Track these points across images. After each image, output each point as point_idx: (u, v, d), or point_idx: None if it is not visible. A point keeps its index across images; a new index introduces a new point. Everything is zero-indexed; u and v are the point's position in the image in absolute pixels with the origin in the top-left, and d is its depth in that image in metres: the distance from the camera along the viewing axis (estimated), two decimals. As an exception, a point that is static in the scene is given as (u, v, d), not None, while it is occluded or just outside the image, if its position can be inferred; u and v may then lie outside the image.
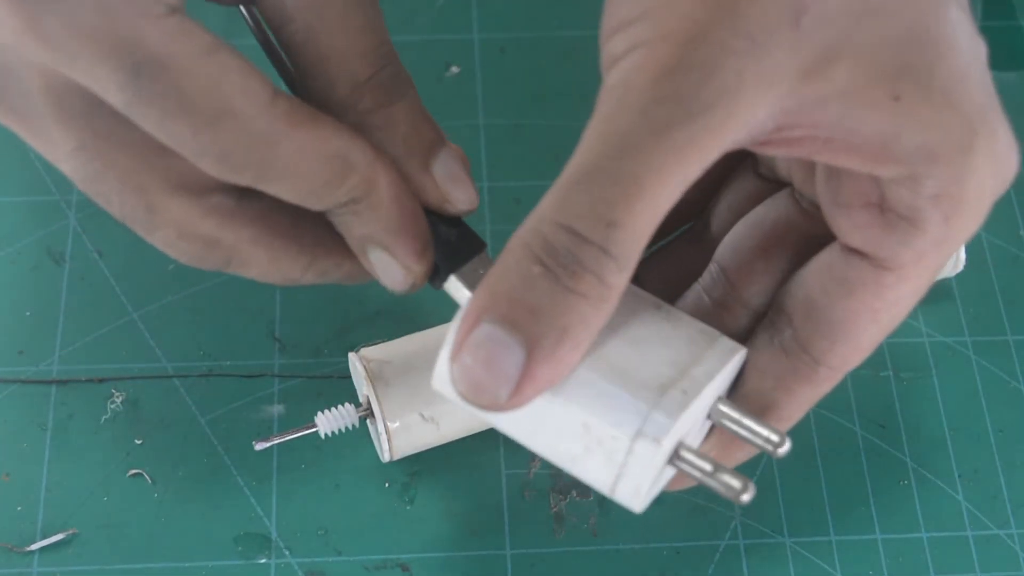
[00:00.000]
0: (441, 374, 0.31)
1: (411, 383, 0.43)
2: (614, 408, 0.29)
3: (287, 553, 0.44)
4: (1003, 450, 0.47)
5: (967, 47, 0.29)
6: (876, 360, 0.48)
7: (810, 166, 0.33)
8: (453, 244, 0.34)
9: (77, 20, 0.29)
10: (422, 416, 0.43)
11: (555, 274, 0.28)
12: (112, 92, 0.30)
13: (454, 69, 0.55)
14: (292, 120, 0.31)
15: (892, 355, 0.48)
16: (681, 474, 0.32)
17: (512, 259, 0.28)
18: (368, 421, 0.45)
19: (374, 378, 0.43)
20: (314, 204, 0.32)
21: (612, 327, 0.30)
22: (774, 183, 0.35)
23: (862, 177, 0.30)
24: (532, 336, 0.28)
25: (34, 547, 0.43)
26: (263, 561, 0.43)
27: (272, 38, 0.34)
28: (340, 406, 0.44)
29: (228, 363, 0.47)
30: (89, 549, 0.43)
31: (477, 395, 0.29)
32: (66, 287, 0.48)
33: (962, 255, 0.48)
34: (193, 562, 0.43)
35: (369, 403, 0.44)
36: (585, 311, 0.28)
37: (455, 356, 0.29)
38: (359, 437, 0.45)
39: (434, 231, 0.34)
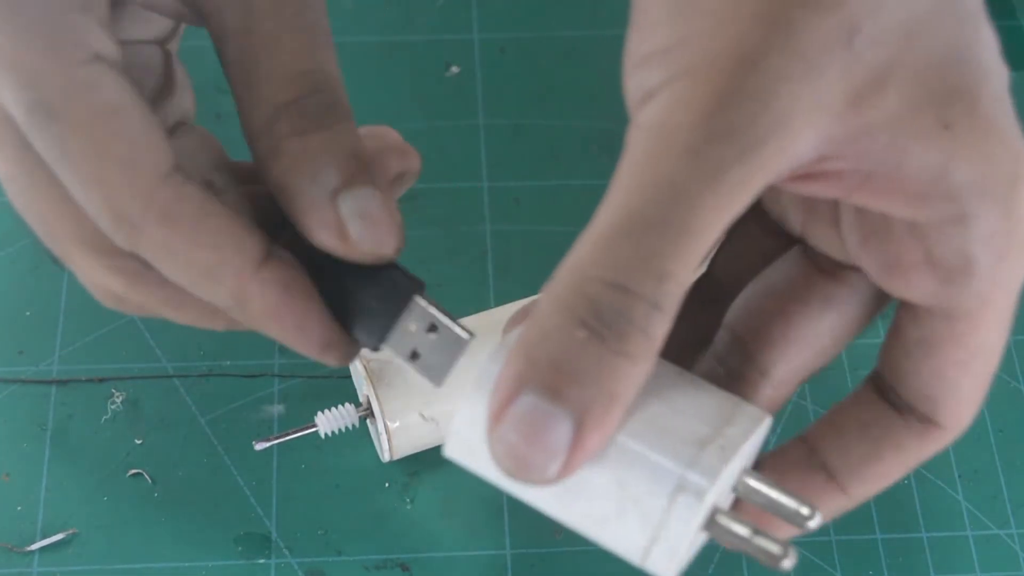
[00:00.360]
0: (463, 442, 0.28)
1: (411, 383, 0.43)
2: (651, 463, 0.27)
3: (287, 553, 0.44)
4: (1003, 450, 0.47)
5: (1000, 69, 0.28)
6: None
7: (829, 221, 0.31)
8: (378, 301, 0.31)
9: None
10: (422, 416, 0.43)
11: (602, 337, 0.25)
12: (17, 119, 0.29)
13: (454, 69, 0.55)
14: (169, 213, 0.29)
15: (892, 355, 0.48)
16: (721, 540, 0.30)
17: (551, 322, 0.26)
18: (368, 421, 0.45)
19: (374, 378, 0.43)
20: (191, 292, 0.31)
21: (642, 392, 0.28)
22: (783, 238, 0.33)
23: (902, 235, 0.28)
24: (581, 405, 0.26)
25: (34, 547, 0.43)
26: (263, 561, 0.43)
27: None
28: (340, 406, 0.44)
29: (228, 363, 0.47)
30: (89, 549, 0.43)
31: (524, 472, 0.26)
32: (66, 287, 0.48)
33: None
34: (193, 562, 0.43)
35: (369, 403, 0.44)
36: (632, 371, 0.26)
37: (494, 429, 0.26)
38: (359, 437, 0.45)
39: (356, 292, 0.31)
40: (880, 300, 0.32)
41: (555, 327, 0.26)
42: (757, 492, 0.29)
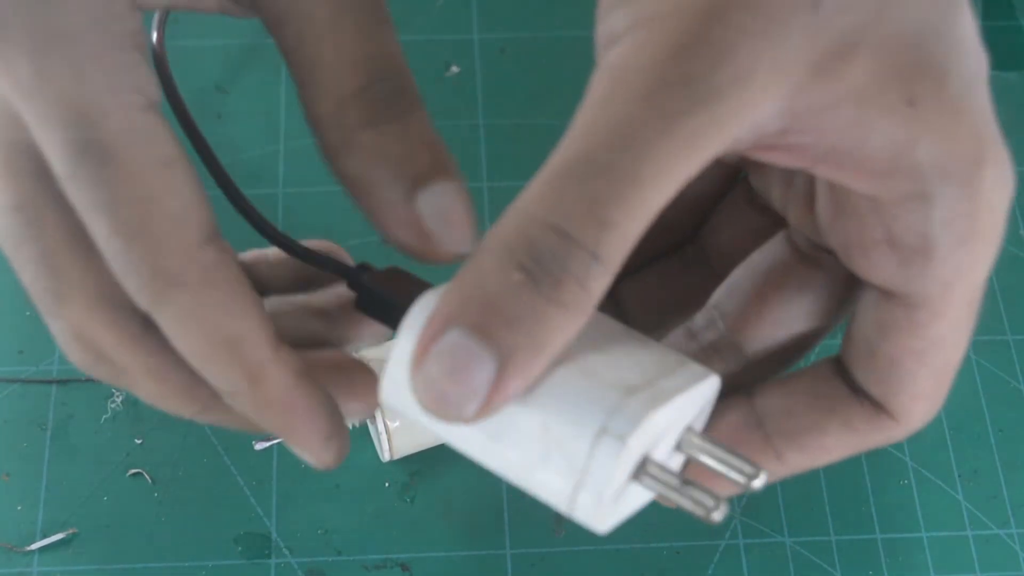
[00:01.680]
0: (395, 385, 0.28)
1: (411, 383, 0.43)
2: (576, 407, 0.27)
3: (287, 553, 0.44)
4: (1003, 450, 0.47)
5: (976, 52, 0.27)
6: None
7: (807, 203, 0.31)
8: (398, 296, 0.30)
9: (48, 71, 0.27)
10: (422, 416, 0.43)
11: (537, 282, 0.25)
12: (55, 157, 0.28)
13: (454, 69, 0.55)
14: (205, 276, 0.28)
15: (892, 355, 0.48)
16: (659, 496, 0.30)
17: (490, 262, 0.25)
18: (368, 421, 0.45)
19: (374, 378, 0.43)
20: (198, 369, 0.29)
21: (580, 339, 0.28)
22: (769, 215, 0.33)
23: (865, 212, 0.28)
24: (506, 349, 0.25)
25: (34, 547, 0.43)
26: (263, 561, 0.43)
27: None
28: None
29: (228, 363, 0.47)
30: (89, 549, 0.43)
31: (442, 408, 0.26)
32: (66, 287, 0.48)
33: (962, 255, 0.48)
34: (193, 562, 0.43)
35: (369, 403, 0.44)
36: (564, 322, 0.25)
37: (418, 364, 0.26)
38: (359, 437, 0.45)
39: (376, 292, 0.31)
40: (853, 287, 0.32)
41: (492, 266, 0.25)
42: (701, 450, 0.29)
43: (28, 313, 0.48)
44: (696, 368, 0.30)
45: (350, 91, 0.30)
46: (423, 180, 0.30)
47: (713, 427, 0.31)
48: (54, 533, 0.43)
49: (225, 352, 0.29)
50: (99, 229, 0.28)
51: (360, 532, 0.44)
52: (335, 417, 0.30)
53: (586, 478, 0.27)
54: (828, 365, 0.31)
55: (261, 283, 0.34)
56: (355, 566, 0.44)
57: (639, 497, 0.30)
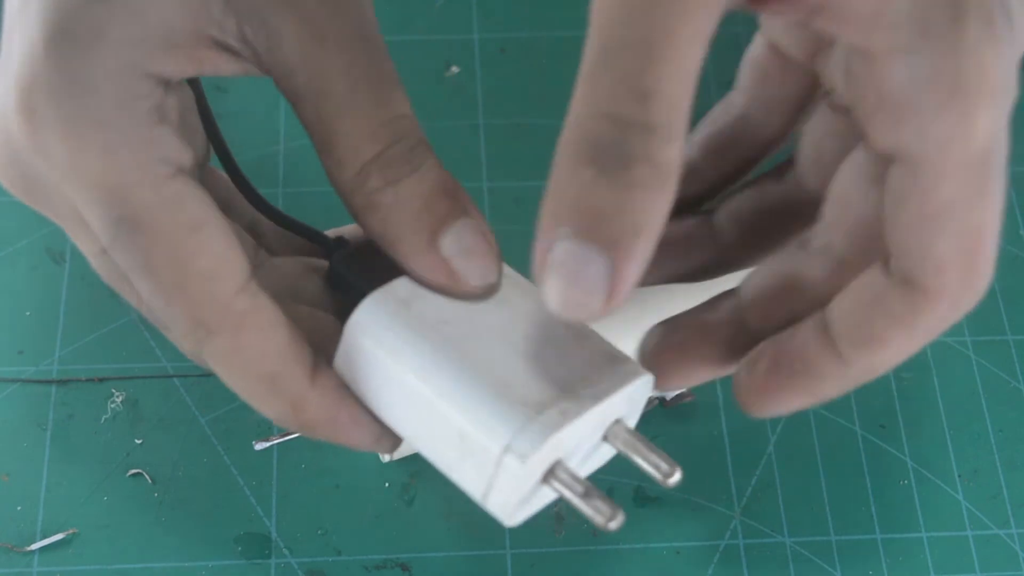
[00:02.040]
0: (345, 365, 0.31)
1: (411, 383, 0.43)
2: (488, 421, 0.30)
3: (287, 553, 0.44)
4: (1003, 450, 0.47)
5: None
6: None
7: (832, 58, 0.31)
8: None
9: (79, 155, 0.29)
10: (422, 416, 0.43)
11: (608, 172, 0.26)
12: (95, 229, 0.31)
13: (454, 69, 0.55)
14: (239, 323, 0.31)
15: (892, 355, 0.48)
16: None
17: (563, 167, 0.27)
18: (368, 421, 0.45)
19: (374, 378, 0.43)
20: (246, 400, 0.33)
21: (511, 337, 0.31)
22: (849, 116, 0.33)
23: (862, 71, 0.28)
24: (610, 241, 0.26)
25: (34, 547, 0.43)
26: (263, 561, 0.44)
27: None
28: (340, 406, 0.44)
29: (228, 363, 0.47)
30: (89, 549, 0.43)
31: (574, 311, 0.27)
32: (66, 287, 0.48)
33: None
34: (193, 562, 0.43)
35: (369, 403, 0.44)
36: (648, 200, 0.26)
37: (540, 280, 0.27)
38: (359, 437, 0.45)
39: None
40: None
41: (565, 171, 0.27)
42: (625, 445, 0.32)
43: (28, 313, 0.48)
44: (629, 367, 0.31)
45: (369, 158, 0.32)
46: (443, 224, 0.32)
47: (789, 339, 0.31)
48: (54, 533, 0.43)
49: (265, 387, 0.32)
50: (141, 288, 0.31)
51: (360, 532, 0.44)
52: (376, 420, 0.33)
53: (494, 483, 0.30)
54: (880, 262, 0.31)
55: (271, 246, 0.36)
56: (355, 566, 0.44)
57: (551, 494, 0.32)
